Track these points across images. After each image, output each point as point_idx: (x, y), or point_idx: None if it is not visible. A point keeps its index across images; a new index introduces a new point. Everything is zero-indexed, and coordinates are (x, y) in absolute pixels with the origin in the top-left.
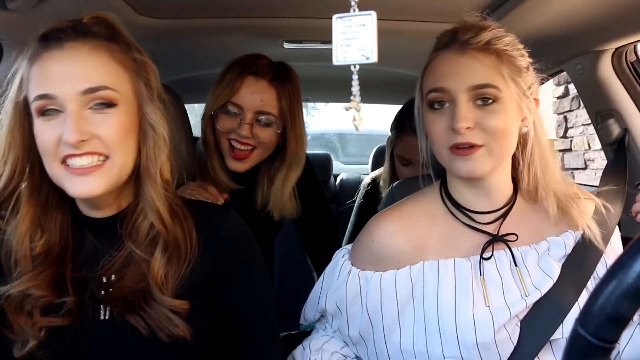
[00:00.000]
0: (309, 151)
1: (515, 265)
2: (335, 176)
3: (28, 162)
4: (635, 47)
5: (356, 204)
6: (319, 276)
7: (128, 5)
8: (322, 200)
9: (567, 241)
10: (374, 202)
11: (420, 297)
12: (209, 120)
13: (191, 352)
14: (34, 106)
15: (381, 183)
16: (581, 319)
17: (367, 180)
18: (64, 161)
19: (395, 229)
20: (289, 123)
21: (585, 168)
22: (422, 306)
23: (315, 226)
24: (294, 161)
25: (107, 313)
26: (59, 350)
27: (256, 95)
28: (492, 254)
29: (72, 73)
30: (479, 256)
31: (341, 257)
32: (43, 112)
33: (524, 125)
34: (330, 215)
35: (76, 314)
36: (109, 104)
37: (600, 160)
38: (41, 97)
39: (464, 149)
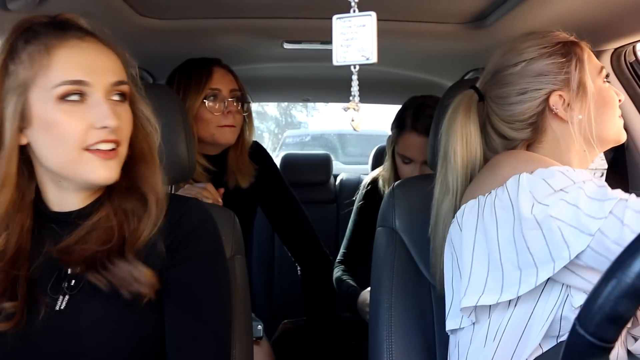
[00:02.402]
0: (309, 151)
1: None
2: (335, 176)
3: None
4: (634, 48)
5: (355, 205)
6: (302, 273)
7: (128, 5)
8: (283, 184)
9: None
10: (374, 203)
11: None
12: (195, 116)
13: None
14: (58, 91)
15: (381, 182)
16: (580, 318)
17: (367, 180)
18: (86, 148)
19: None
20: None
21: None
22: None
23: (285, 213)
24: (245, 132)
25: (64, 303)
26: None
27: (225, 77)
28: None
29: (102, 64)
30: None
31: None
32: (65, 98)
33: None
34: (298, 203)
35: (19, 318)
36: (125, 98)
37: (599, 160)
38: (73, 82)
39: None
